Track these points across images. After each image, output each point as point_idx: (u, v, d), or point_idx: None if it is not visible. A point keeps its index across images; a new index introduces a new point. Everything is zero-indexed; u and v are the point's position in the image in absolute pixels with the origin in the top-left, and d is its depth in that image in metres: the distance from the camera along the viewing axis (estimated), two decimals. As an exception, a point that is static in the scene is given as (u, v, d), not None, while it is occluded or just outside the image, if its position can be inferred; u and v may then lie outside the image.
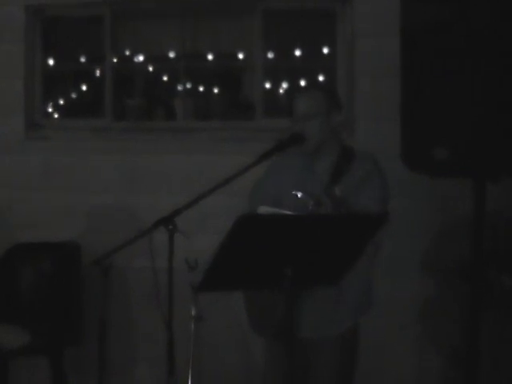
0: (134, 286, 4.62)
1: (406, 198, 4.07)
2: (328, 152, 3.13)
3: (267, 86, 4.93)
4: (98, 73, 5.04)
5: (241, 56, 4.97)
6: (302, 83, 5.01)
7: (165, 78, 5.12)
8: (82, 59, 5.08)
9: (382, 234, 2.98)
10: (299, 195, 2.90)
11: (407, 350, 4.50)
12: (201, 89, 5.09)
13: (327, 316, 3.09)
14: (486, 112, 3.09)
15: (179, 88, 5.01)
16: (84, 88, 5.20)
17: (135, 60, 5.05)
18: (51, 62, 5.01)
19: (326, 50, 4.86)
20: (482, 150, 3.12)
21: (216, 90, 5.08)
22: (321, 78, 4.94)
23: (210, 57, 4.99)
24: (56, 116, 5.19)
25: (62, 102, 5.24)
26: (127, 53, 5.06)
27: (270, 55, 4.86)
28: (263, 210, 2.83)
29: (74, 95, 5.25)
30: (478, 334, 3.46)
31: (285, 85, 5.07)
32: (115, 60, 4.96)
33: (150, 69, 5.08)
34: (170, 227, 2.91)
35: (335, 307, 3.08)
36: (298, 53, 4.90)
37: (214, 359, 4.48)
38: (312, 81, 4.95)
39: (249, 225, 2.36)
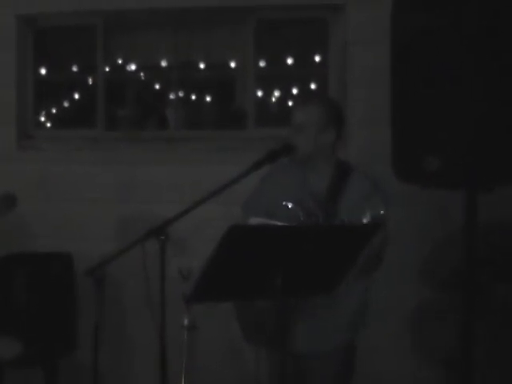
0: (127, 295, 4.60)
1: (401, 207, 4.04)
2: (323, 165, 3.13)
3: (259, 94, 4.93)
4: (90, 82, 5.03)
5: (233, 65, 4.97)
6: (295, 91, 5.01)
7: (157, 87, 5.12)
8: (74, 68, 5.08)
9: (384, 248, 3.00)
10: (290, 206, 2.90)
11: (402, 358, 4.49)
12: (193, 98, 5.09)
13: (321, 331, 3.08)
14: (478, 121, 3.07)
15: (171, 97, 5.01)
16: (76, 97, 5.19)
17: (127, 69, 5.05)
18: (43, 71, 5.02)
19: (317, 58, 4.85)
20: (473, 160, 3.09)
21: (208, 99, 5.08)
22: (313, 86, 4.95)
23: (202, 66, 4.99)
24: (48, 125, 5.19)
25: (54, 111, 5.23)
26: (119, 62, 5.06)
27: (262, 63, 4.86)
28: (254, 220, 2.84)
29: (66, 104, 5.24)
30: (472, 340, 3.45)
31: (277, 93, 5.06)
32: (107, 69, 4.96)
33: (142, 78, 5.09)
34: (162, 237, 2.90)
35: (330, 323, 3.08)
36: (290, 61, 4.89)
37: (206, 368, 4.47)
38: (304, 89, 4.95)
39: (239, 235, 2.35)
